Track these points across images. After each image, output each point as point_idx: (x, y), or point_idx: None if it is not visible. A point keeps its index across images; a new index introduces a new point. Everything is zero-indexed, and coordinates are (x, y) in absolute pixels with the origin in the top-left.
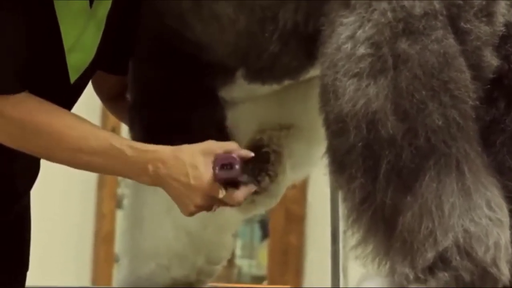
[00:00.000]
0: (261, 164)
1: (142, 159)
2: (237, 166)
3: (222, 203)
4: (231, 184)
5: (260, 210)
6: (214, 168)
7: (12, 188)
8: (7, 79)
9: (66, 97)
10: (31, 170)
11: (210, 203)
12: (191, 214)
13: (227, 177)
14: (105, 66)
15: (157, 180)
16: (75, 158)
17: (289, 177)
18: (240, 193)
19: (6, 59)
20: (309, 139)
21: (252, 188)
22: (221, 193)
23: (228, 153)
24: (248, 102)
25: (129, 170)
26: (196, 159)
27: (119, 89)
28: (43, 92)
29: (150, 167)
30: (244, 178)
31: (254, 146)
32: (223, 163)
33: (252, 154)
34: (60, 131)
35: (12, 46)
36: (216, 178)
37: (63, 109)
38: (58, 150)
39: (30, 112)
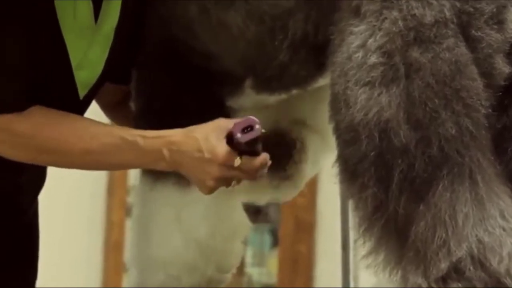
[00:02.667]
0: (287, 149)
1: (156, 146)
2: (257, 126)
3: (239, 173)
4: (246, 153)
5: (281, 197)
6: (235, 135)
7: (18, 200)
8: (15, 97)
9: (75, 111)
10: (37, 181)
11: (227, 174)
12: (210, 190)
13: (252, 137)
14: (113, 78)
15: (173, 163)
16: (90, 160)
17: (308, 170)
18: (257, 160)
19: (14, 77)
20: (322, 137)
21: (267, 157)
22: (237, 162)
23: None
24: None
25: (145, 160)
26: (208, 134)
27: (119, 97)
28: (54, 108)
29: (165, 151)
30: (259, 147)
31: (278, 134)
32: (243, 127)
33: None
34: (71, 135)
35: (19, 64)
36: (240, 142)
37: (71, 114)
38: (70, 155)
39: (37, 123)
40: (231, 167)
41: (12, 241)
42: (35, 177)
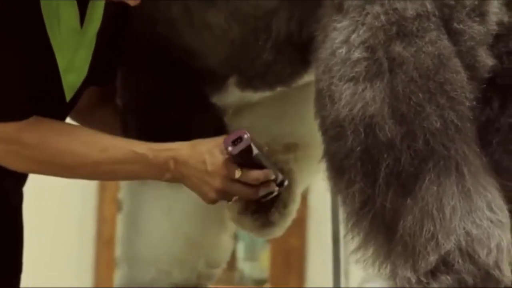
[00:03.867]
0: (273, 201)
1: (163, 159)
2: (245, 136)
3: (240, 187)
4: (247, 166)
5: (263, 237)
6: (226, 149)
7: (2, 190)
8: (19, 105)
9: (61, 114)
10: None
11: (229, 187)
12: (211, 201)
13: (241, 148)
14: (96, 81)
15: (177, 174)
16: (97, 172)
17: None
18: (256, 172)
19: (15, 85)
20: (316, 155)
21: (269, 172)
22: (237, 173)
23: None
24: (249, 121)
25: (152, 172)
26: (212, 148)
27: (93, 100)
28: (41, 113)
29: (171, 163)
30: (262, 159)
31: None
32: (232, 140)
33: (266, 148)
34: (81, 148)
35: (18, 72)
36: (230, 155)
37: (77, 126)
38: (80, 167)
39: (45, 134)
40: (232, 180)
41: None
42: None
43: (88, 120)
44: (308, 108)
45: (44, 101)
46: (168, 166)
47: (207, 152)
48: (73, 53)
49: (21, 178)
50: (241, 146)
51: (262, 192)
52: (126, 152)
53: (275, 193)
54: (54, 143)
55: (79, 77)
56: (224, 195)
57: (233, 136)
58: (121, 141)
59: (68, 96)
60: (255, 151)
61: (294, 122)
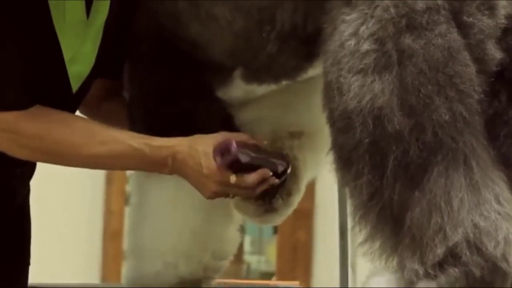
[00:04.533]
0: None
1: (161, 155)
2: (233, 148)
3: (238, 189)
4: (243, 170)
5: (265, 224)
6: (215, 159)
7: (10, 185)
8: (19, 95)
9: (69, 105)
10: (28, 164)
11: (225, 190)
12: (211, 198)
13: (228, 161)
14: (104, 72)
15: (175, 170)
16: (95, 163)
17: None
18: (251, 176)
19: (16, 75)
20: (321, 145)
21: (265, 172)
22: (232, 179)
23: (240, 142)
24: (255, 110)
25: (150, 166)
26: (209, 150)
27: (101, 92)
28: (48, 103)
29: (169, 160)
30: (257, 161)
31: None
32: (220, 150)
33: (265, 142)
34: (80, 138)
35: (19, 62)
36: (220, 166)
37: (78, 117)
38: (78, 158)
39: (46, 125)
40: (228, 184)
41: (2, 225)
42: (27, 163)
43: (96, 113)
44: (314, 98)
45: (50, 92)
46: (166, 162)
47: (203, 154)
48: (79, 44)
49: (28, 173)
50: (228, 158)
51: (261, 189)
52: (124, 147)
53: (277, 183)
54: (54, 133)
55: (85, 68)
56: (221, 195)
57: (221, 146)
58: (121, 134)
59: (75, 86)
60: (244, 158)
61: (300, 111)
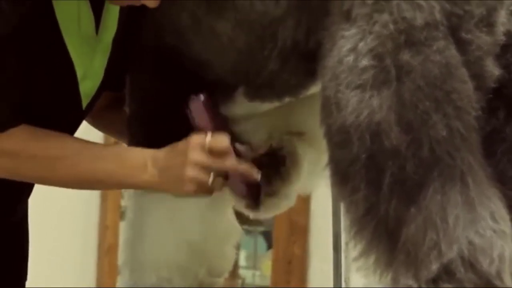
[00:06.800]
0: (275, 165)
1: (139, 157)
2: (201, 96)
3: (214, 160)
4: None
5: (270, 213)
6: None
7: (9, 201)
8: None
9: (76, 121)
10: (29, 186)
11: (201, 173)
12: (188, 190)
13: (195, 102)
14: (110, 87)
15: (154, 175)
16: (74, 180)
17: (303, 182)
18: (224, 137)
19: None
20: (322, 146)
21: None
22: (208, 137)
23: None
24: (254, 117)
25: (128, 170)
26: (186, 147)
27: (106, 101)
28: (58, 120)
29: (148, 162)
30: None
31: (269, 152)
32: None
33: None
34: (57, 151)
35: (5, 84)
36: (189, 110)
37: (58, 133)
38: (57, 171)
39: (23, 141)
40: (203, 162)
41: (1, 241)
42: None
43: (98, 123)
44: (315, 102)
45: (60, 109)
46: (145, 166)
47: (181, 143)
48: (90, 60)
49: (27, 192)
50: (195, 100)
51: (240, 169)
52: (100, 149)
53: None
54: (29, 149)
55: (95, 83)
56: (200, 186)
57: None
58: (99, 144)
59: (85, 103)
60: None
61: (301, 115)
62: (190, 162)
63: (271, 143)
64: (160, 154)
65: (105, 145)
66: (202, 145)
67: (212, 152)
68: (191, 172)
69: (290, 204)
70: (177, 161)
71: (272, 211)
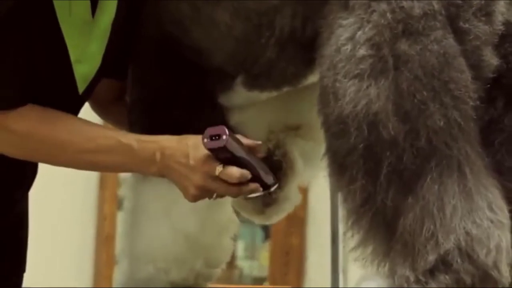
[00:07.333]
0: (274, 173)
1: (149, 150)
2: (224, 137)
3: (221, 184)
4: (230, 163)
5: (268, 222)
6: (203, 139)
7: (8, 194)
8: (8, 95)
9: (74, 106)
10: (28, 175)
11: (209, 184)
12: (193, 198)
13: (214, 146)
14: (110, 73)
15: (163, 167)
16: (82, 160)
17: (302, 177)
18: (235, 170)
19: (6, 75)
20: (319, 137)
21: (245, 173)
22: (218, 170)
23: (234, 136)
24: (253, 107)
25: (138, 163)
26: (199, 144)
27: (114, 94)
28: (53, 104)
29: (158, 155)
30: (247, 162)
31: (267, 156)
32: (211, 134)
33: (259, 142)
34: (66, 136)
35: (12, 62)
36: (210, 150)
37: (67, 114)
38: (65, 155)
39: (33, 123)
40: (212, 177)
41: (1, 231)
42: (25, 171)
43: (105, 114)
44: (313, 93)
45: (55, 92)
46: (154, 158)
47: (192, 146)
48: (85, 44)
49: (28, 186)
50: (216, 144)
51: (244, 193)
52: (112, 142)
53: (259, 194)
54: (41, 131)
55: (91, 67)
56: (204, 192)
57: (214, 131)
58: (109, 131)
59: (81, 87)
60: (237, 152)
61: (298, 105)
62: (195, 183)
63: (268, 146)
64: (169, 145)
65: (118, 132)
66: (212, 173)
67: (221, 179)
68: (194, 192)
69: (296, 202)
70: (183, 172)
71: (278, 216)
